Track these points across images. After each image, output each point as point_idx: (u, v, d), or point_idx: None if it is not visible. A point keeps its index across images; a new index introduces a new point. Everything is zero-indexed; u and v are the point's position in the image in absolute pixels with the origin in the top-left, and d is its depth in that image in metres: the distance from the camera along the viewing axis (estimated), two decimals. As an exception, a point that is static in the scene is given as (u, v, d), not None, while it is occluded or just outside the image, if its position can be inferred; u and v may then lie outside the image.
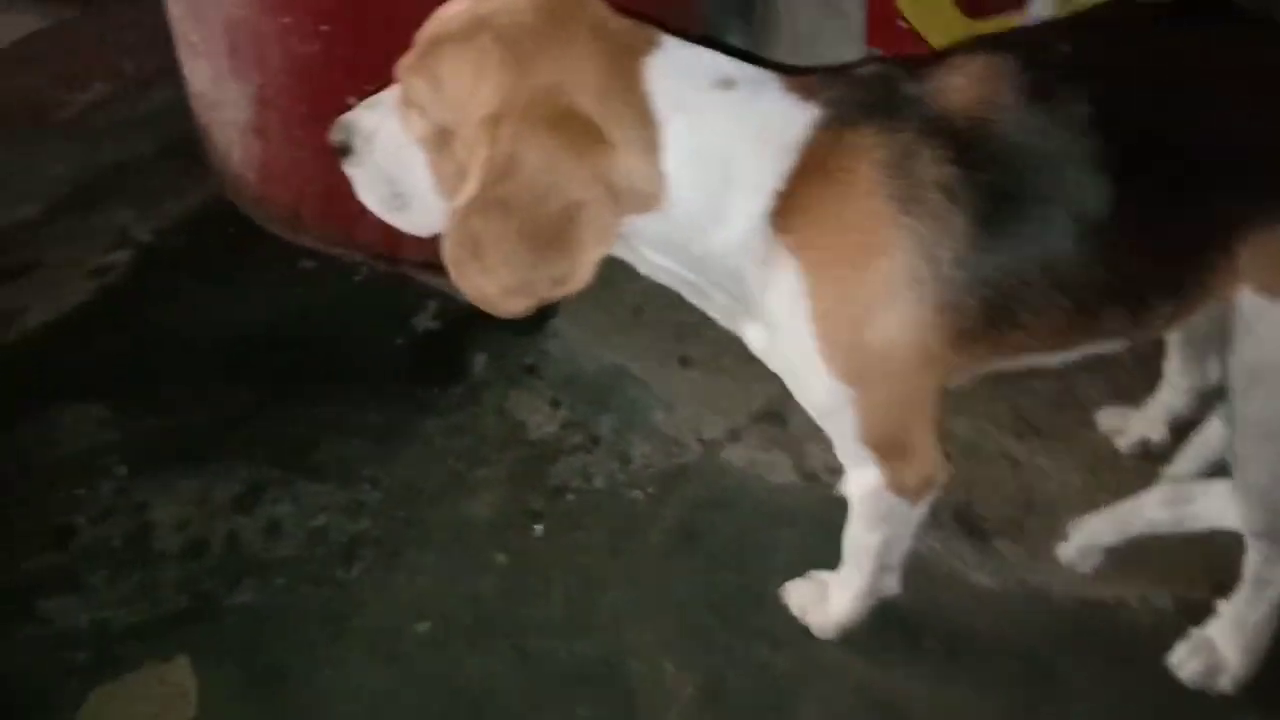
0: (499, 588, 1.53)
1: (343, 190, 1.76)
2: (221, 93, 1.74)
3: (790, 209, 1.06)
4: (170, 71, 2.00)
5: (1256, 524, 1.30)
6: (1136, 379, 1.71)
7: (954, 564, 1.57)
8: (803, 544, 1.58)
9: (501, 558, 1.57)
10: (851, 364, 1.10)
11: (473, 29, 1.03)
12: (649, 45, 1.06)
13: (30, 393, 1.76)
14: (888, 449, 1.17)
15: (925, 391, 1.15)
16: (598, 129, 1.01)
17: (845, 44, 1.94)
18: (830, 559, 1.48)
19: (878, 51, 1.89)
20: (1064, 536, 1.55)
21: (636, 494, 1.66)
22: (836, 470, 1.64)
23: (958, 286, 1.06)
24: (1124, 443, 1.67)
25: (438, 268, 1.87)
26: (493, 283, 1.09)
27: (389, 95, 1.13)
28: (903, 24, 1.85)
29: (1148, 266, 1.10)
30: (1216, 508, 1.37)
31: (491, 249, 1.05)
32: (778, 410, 1.78)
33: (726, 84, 1.06)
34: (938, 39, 1.84)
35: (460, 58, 1.03)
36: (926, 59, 1.14)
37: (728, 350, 1.84)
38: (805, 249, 1.07)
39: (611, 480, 1.68)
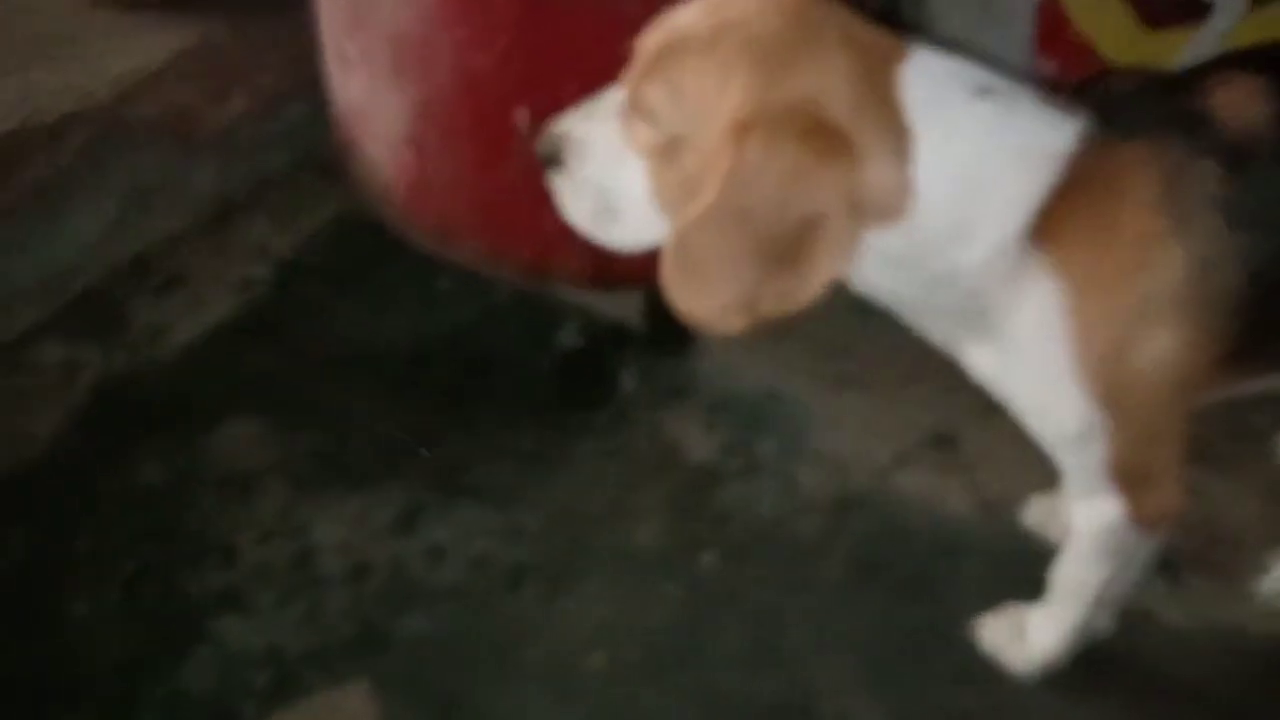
0: (672, 620, 1.48)
1: (498, 203, 1.79)
2: (377, 105, 1.72)
3: (1051, 224, 1.01)
4: (306, 86, 1.99)
5: None
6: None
7: (1143, 599, 1.49)
8: (986, 578, 1.52)
9: (671, 588, 1.52)
10: (1111, 387, 1.05)
11: (717, 36, 0.99)
12: (899, 52, 1.01)
13: (187, 409, 1.75)
14: (1133, 478, 1.12)
15: (1179, 416, 1.09)
16: (849, 139, 0.97)
17: (1006, 54, 1.87)
18: (1015, 594, 1.42)
19: (1048, 63, 1.82)
20: (1255, 569, 1.47)
21: (806, 524, 1.60)
22: (1015, 499, 1.61)
23: (1226, 307, 1.01)
24: None
25: (585, 283, 1.90)
26: (713, 299, 1.04)
27: (606, 104, 1.10)
28: (1075, 35, 1.77)
29: None
30: None
31: (717, 263, 1.01)
32: (947, 433, 1.72)
33: (983, 92, 1.01)
34: (1112, 51, 1.76)
35: (705, 66, 0.99)
36: (1178, 76, 1.08)
37: (887, 366, 1.80)
38: (1067, 265, 1.01)
39: (779, 508, 1.63)
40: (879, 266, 1.08)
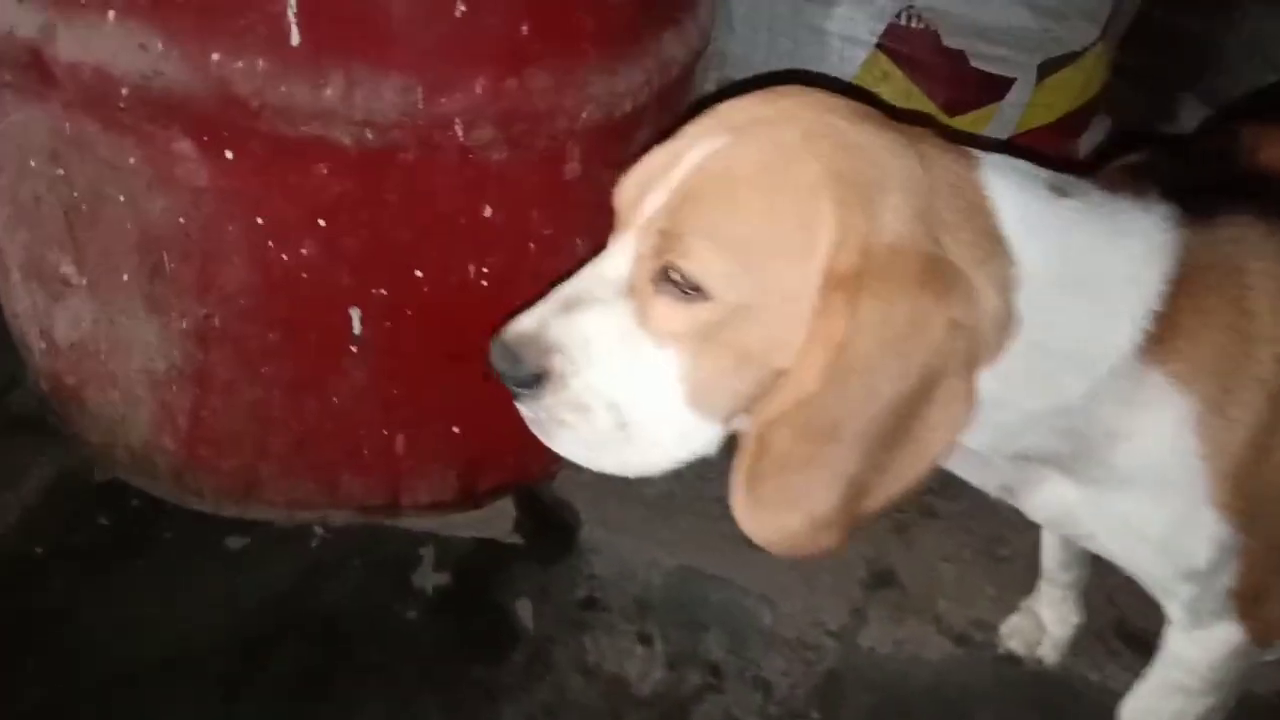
0: None
1: (323, 435, 1.38)
2: (119, 338, 1.28)
3: (1168, 329, 0.84)
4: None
5: None
6: None
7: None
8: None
9: None
10: (1252, 503, 0.88)
11: (776, 163, 0.76)
12: (968, 156, 0.83)
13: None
14: (1256, 596, 0.97)
15: None
16: (961, 273, 0.76)
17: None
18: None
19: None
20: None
21: (807, 725, 1.34)
22: (981, 624, 1.47)
23: None
24: None
25: (447, 508, 1.53)
26: (807, 512, 0.79)
27: (599, 282, 0.82)
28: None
29: None
30: None
31: (817, 462, 0.77)
32: (883, 570, 1.54)
33: (1059, 191, 0.85)
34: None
35: (773, 208, 0.75)
36: (1206, 136, 1.00)
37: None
38: (1195, 373, 0.85)
39: (765, 716, 1.34)
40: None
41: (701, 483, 1.71)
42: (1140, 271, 0.84)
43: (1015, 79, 1.69)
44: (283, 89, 1.07)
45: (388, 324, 1.24)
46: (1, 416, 1.63)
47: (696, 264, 0.75)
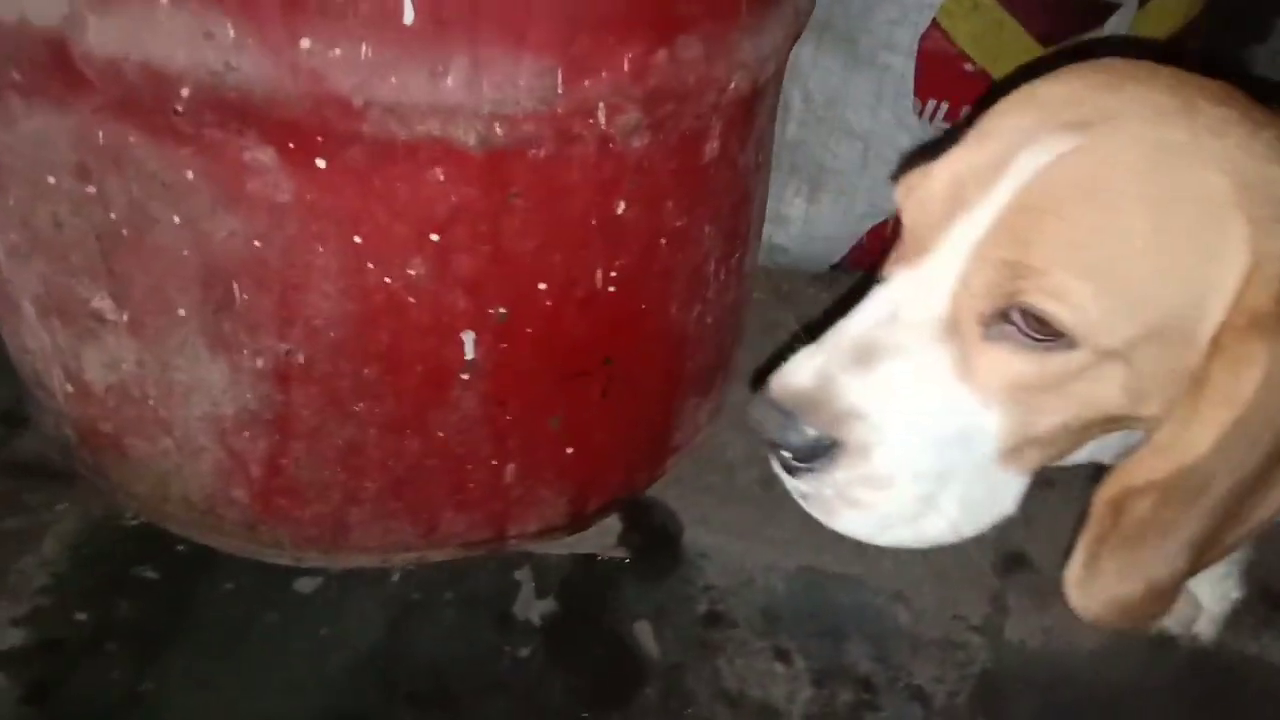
0: None
1: (423, 472, 1.17)
2: (174, 381, 1.06)
3: None
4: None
5: None
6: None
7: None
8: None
9: None
10: None
11: (1169, 165, 0.59)
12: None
13: None
14: None
15: None
16: None
17: (881, 101, 1.64)
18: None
19: (938, 105, 1.61)
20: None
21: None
22: None
23: None
24: None
25: (558, 532, 1.35)
26: (1144, 583, 0.67)
27: (904, 327, 0.65)
28: (968, 69, 1.58)
29: None
30: None
31: (1176, 527, 0.64)
32: (1012, 551, 1.44)
33: None
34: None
35: (1167, 221, 0.59)
36: None
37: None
38: None
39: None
40: None
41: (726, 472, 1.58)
42: None
43: (1118, 4, 1.54)
44: (393, 80, 0.85)
45: (504, 346, 1.05)
46: (4, 465, 1.40)
47: (1066, 307, 0.59)
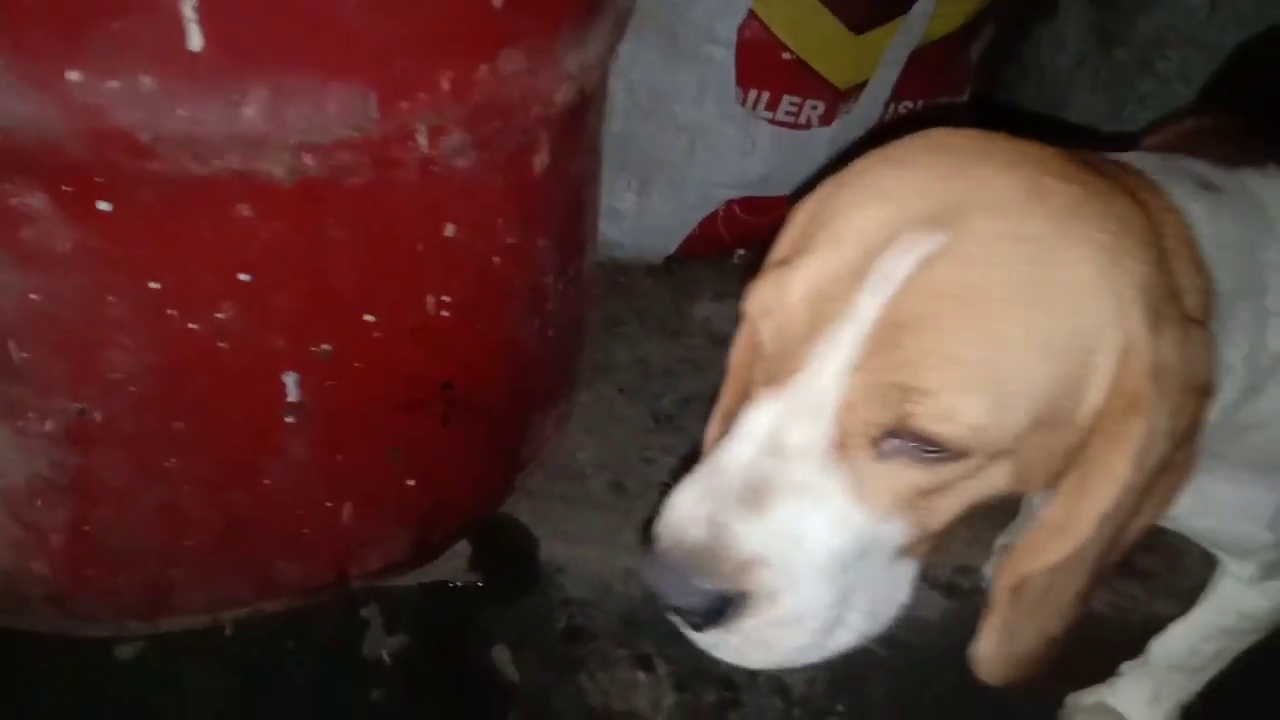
0: None
1: (252, 522, 1.06)
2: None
3: None
4: None
5: None
6: None
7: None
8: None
9: None
10: None
11: (1038, 261, 0.58)
12: (1146, 175, 0.69)
13: None
14: None
15: None
16: (1211, 337, 0.64)
17: (704, 93, 1.63)
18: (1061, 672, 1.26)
19: (758, 94, 1.61)
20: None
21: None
22: (965, 570, 1.44)
23: None
24: None
25: (401, 569, 1.27)
26: (1042, 638, 0.70)
27: (788, 459, 0.60)
28: (787, 55, 1.58)
29: None
30: None
31: (1067, 587, 0.66)
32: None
33: (1213, 187, 0.74)
34: (826, 65, 1.61)
35: (1044, 322, 0.58)
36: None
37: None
38: None
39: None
40: None
41: (647, 465, 1.58)
42: None
43: (915, -11, 1.58)
44: (183, 113, 0.76)
45: (331, 384, 0.97)
46: None
47: (959, 427, 0.57)
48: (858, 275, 0.59)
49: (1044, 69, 1.84)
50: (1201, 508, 0.92)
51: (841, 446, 0.60)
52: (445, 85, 0.84)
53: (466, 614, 1.32)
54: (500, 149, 0.93)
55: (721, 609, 0.61)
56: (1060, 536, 0.62)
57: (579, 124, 1.03)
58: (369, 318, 0.95)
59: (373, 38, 0.80)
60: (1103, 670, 1.25)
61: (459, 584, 1.34)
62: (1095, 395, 0.59)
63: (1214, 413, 0.75)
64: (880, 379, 0.58)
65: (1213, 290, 0.68)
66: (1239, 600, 1.06)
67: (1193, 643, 1.13)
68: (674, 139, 1.69)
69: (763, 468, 0.60)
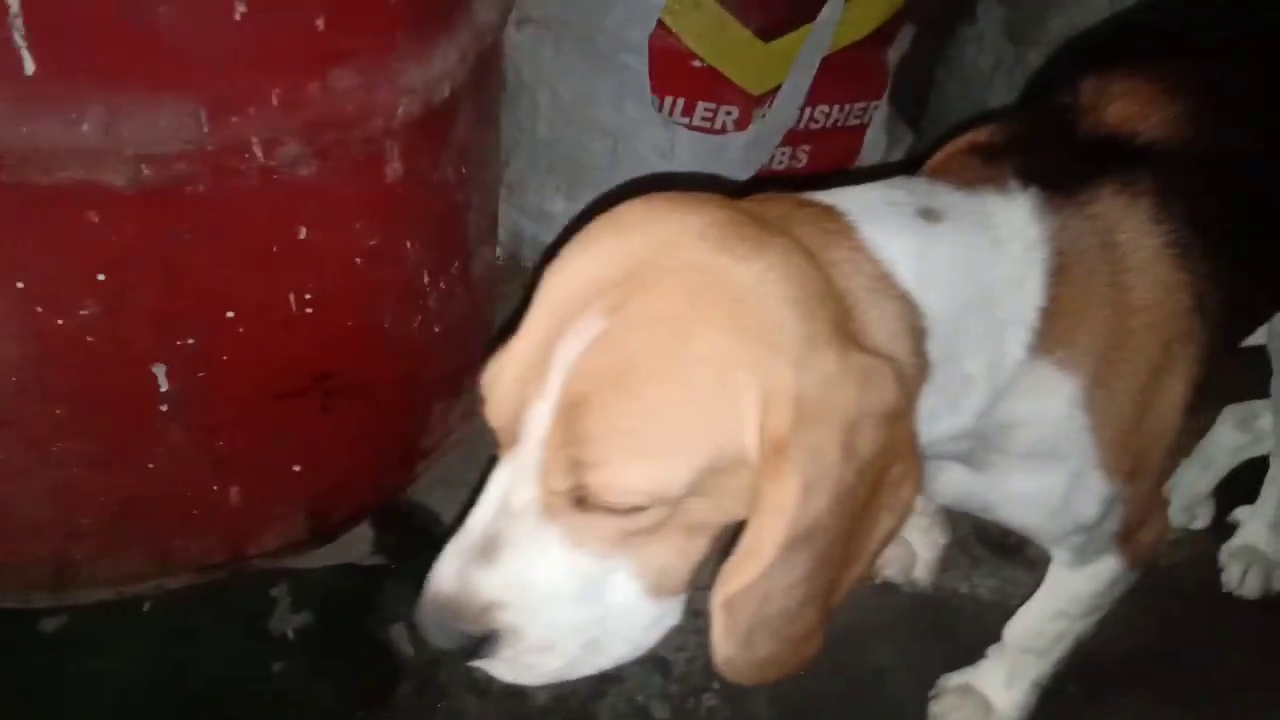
0: None
1: (143, 500, 1.18)
2: None
3: (1055, 321, 0.83)
4: None
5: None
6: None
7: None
8: (905, 657, 1.39)
9: None
10: (1132, 459, 0.91)
11: (676, 338, 0.66)
12: (838, 214, 0.76)
13: None
14: (1133, 530, 1.01)
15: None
16: (888, 363, 0.71)
17: (622, 102, 1.70)
18: (939, 657, 1.33)
19: (674, 102, 1.68)
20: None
21: (708, 699, 1.33)
22: None
23: (1217, 325, 0.92)
24: None
25: (300, 546, 1.36)
26: (790, 640, 0.76)
27: (511, 518, 0.71)
28: (697, 63, 1.65)
29: None
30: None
31: (790, 601, 0.72)
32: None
33: (933, 216, 0.80)
34: (738, 72, 1.67)
35: (686, 390, 0.66)
36: (1045, 99, 0.97)
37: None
38: (1082, 358, 0.85)
39: (668, 697, 1.32)
40: None
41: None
42: (1023, 274, 0.83)
43: (823, -1, 1.64)
44: (24, 130, 0.86)
45: (201, 374, 1.06)
46: None
47: (626, 491, 0.66)
48: (545, 359, 0.68)
49: (967, 69, 1.88)
50: (1001, 500, 0.99)
51: (549, 506, 0.70)
52: (275, 101, 0.93)
53: (369, 594, 1.41)
54: (344, 158, 1.02)
55: (478, 646, 0.72)
56: (750, 561, 0.70)
57: (439, 132, 1.11)
58: (230, 314, 1.04)
59: (200, 58, 0.89)
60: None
61: (366, 565, 1.43)
62: (750, 440, 0.67)
63: (969, 418, 0.85)
64: (561, 452, 0.67)
65: (920, 315, 0.76)
66: (1066, 584, 1.11)
67: (1035, 626, 1.19)
68: (598, 144, 1.76)
69: (496, 526, 0.71)
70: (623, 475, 0.66)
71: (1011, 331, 0.82)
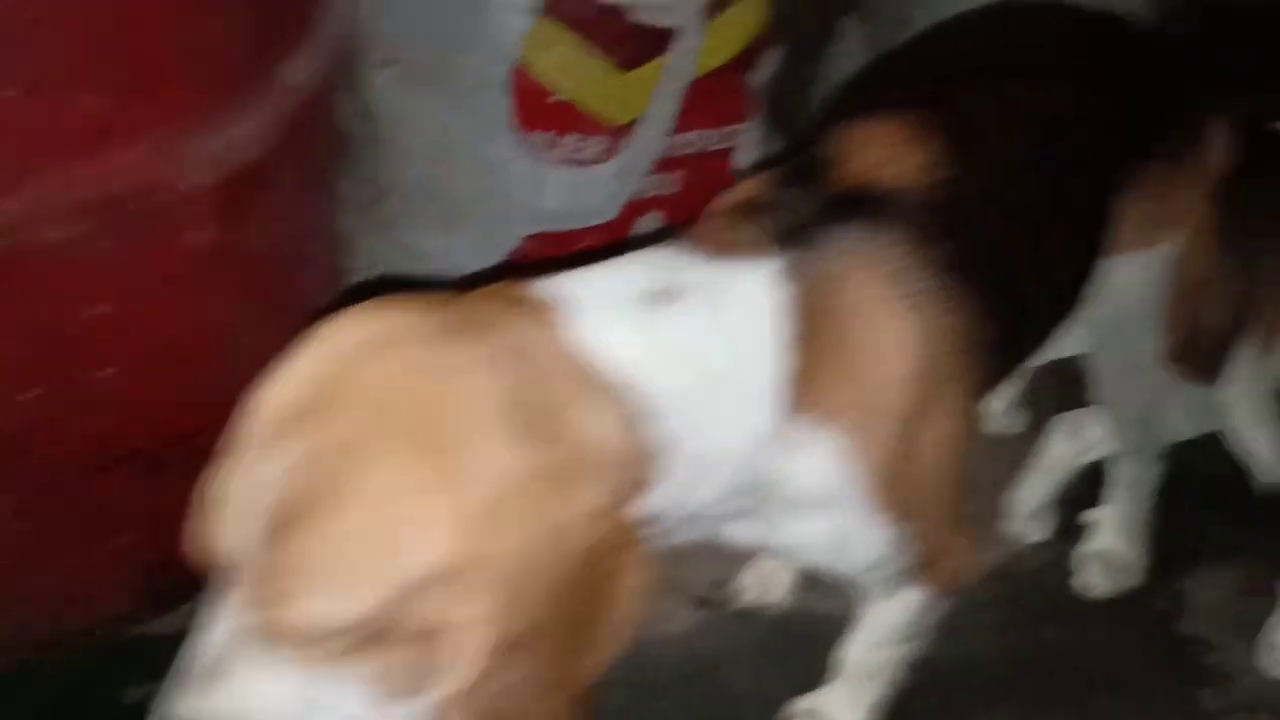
0: None
1: None
2: None
3: (806, 382, 0.85)
4: None
5: (1130, 443, 1.45)
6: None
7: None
8: (759, 683, 1.40)
9: None
10: (909, 499, 0.93)
11: (353, 465, 0.66)
12: (552, 309, 0.76)
13: None
14: (933, 559, 1.02)
15: (963, 478, 1.01)
16: (587, 462, 0.71)
17: (485, 139, 1.68)
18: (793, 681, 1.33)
19: (537, 137, 1.66)
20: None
21: None
22: (719, 583, 1.50)
23: (982, 356, 0.94)
24: None
25: (140, 616, 1.32)
26: None
27: (230, 641, 0.71)
28: (556, 101, 1.64)
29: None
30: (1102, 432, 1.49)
31: (517, 698, 0.72)
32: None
33: (663, 298, 0.80)
34: (598, 103, 1.66)
35: (366, 522, 0.66)
36: (802, 150, 0.97)
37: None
38: (837, 411, 0.86)
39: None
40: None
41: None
42: (762, 346, 0.83)
43: (679, 28, 1.63)
44: None
45: (2, 453, 1.04)
46: None
47: (306, 626, 0.66)
48: (251, 485, 0.68)
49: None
50: (789, 545, 1.02)
51: (261, 630, 0.69)
52: (53, 180, 0.91)
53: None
54: (137, 234, 0.99)
55: None
56: (462, 669, 0.68)
57: (243, 199, 1.09)
58: (29, 394, 1.01)
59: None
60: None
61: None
62: (440, 559, 0.66)
63: (731, 482, 0.85)
64: (262, 585, 0.67)
65: (644, 399, 0.75)
66: (879, 615, 1.15)
67: (858, 655, 1.22)
68: (469, 181, 1.74)
69: (219, 650, 0.71)
70: (306, 609, 0.65)
71: (758, 401, 0.83)
